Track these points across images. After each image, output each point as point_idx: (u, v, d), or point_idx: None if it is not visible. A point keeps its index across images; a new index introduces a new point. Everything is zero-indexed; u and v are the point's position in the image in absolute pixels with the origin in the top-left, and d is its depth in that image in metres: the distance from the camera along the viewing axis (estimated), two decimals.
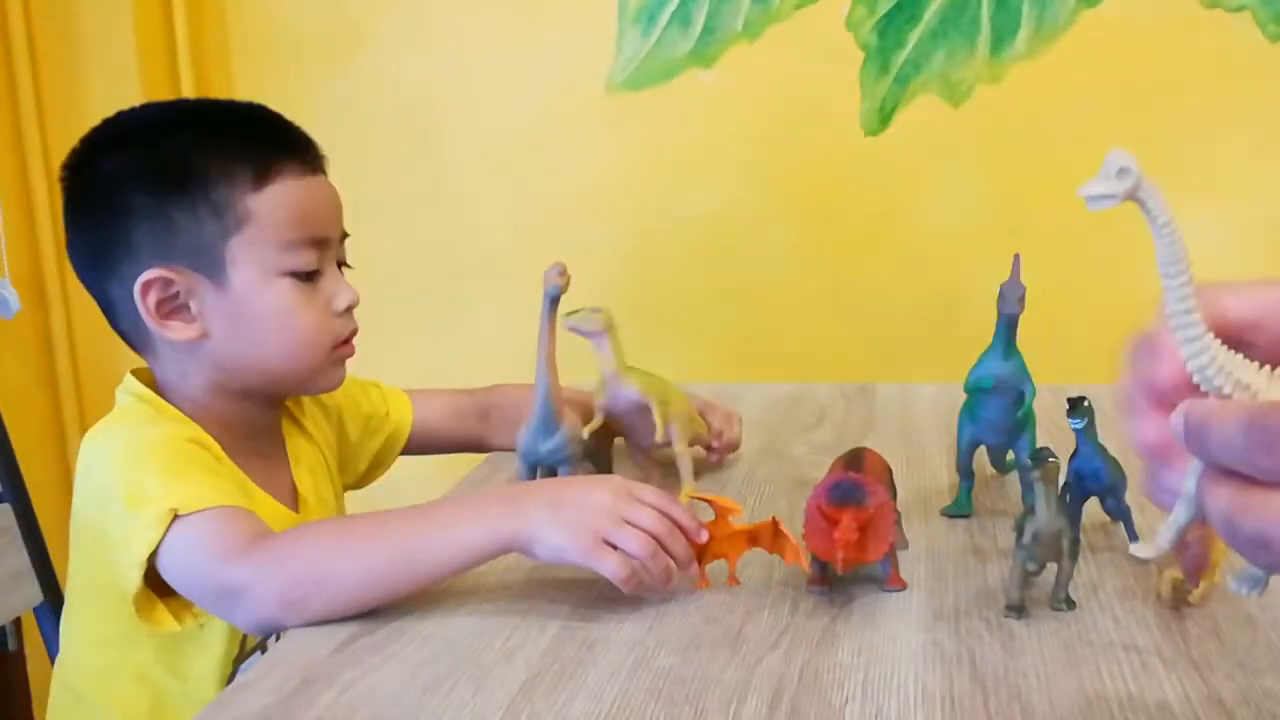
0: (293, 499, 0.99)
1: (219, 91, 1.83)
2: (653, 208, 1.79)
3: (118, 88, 1.75)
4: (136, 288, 0.88)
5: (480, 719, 0.64)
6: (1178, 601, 0.76)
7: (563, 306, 0.91)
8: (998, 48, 1.66)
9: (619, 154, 1.78)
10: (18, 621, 1.21)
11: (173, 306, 0.90)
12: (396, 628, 0.76)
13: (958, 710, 0.64)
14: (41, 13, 1.78)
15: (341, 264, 0.98)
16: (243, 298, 0.90)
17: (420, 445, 1.16)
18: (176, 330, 0.90)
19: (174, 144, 0.91)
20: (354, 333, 0.96)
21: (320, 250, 0.93)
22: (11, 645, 1.24)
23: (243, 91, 1.84)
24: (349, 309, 0.95)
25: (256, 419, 0.97)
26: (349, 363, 0.99)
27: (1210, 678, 0.67)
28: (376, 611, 0.78)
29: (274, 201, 0.90)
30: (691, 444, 1.02)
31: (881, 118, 1.71)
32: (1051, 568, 0.76)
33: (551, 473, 0.96)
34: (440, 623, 0.77)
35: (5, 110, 1.75)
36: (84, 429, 0.92)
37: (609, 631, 0.75)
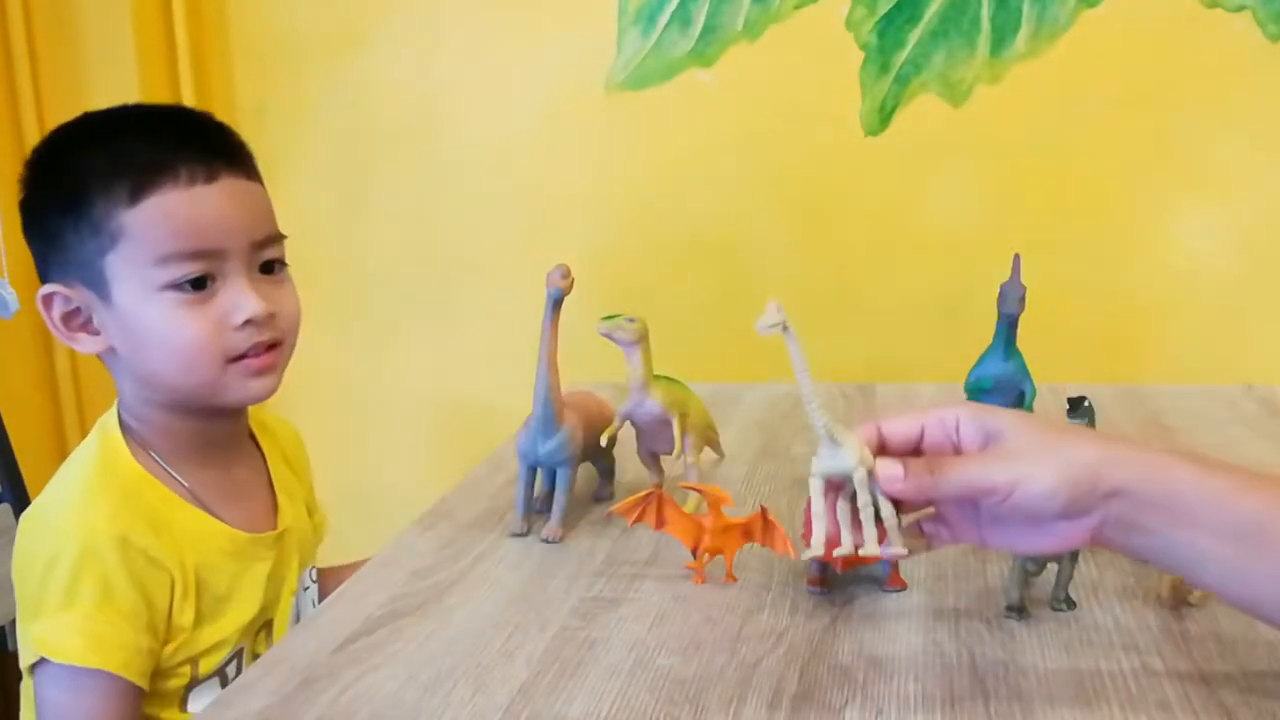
0: (269, 510, 0.98)
1: (220, 91, 1.83)
2: (653, 208, 1.79)
3: (118, 88, 1.76)
4: (38, 301, 0.89)
5: (480, 719, 0.64)
6: (1178, 601, 0.76)
7: (565, 308, 0.91)
8: (998, 48, 1.66)
9: (619, 154, 1.78)
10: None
11: (80, 320, 0.90)
12: (396, 627, 0.76)
13: (958, 710, 0.64)
14: (41, 13, 1.78)
15: (275, 265, 0.92)
16: (127, 313, 0.88)
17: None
18: (84, 343, 0.91)
19: (69, 160, 0.90)
20: (264, 344, 0.90)
21: (213, 261, 0.87)
22: (11, 645, 1.24)
23: (243, 92, 1.84)
24: (250, 322, 0.88)
25: (202, 431, 0.93)
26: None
27: (1210, 678, 0.67)
28: (376, 611, 0.78)
29: (148, 217, 0.86)
30: (702, 449, 1.03)
31: (881, 118, 1.71)
32: (1051, 568, 0.76)
33: (551, 474, 0.97)
34: (440, 623, 0.77)
35: (5, 110, 1.75)
36: (84, 429, 0.92)
37: (609, 631, 0.75)
